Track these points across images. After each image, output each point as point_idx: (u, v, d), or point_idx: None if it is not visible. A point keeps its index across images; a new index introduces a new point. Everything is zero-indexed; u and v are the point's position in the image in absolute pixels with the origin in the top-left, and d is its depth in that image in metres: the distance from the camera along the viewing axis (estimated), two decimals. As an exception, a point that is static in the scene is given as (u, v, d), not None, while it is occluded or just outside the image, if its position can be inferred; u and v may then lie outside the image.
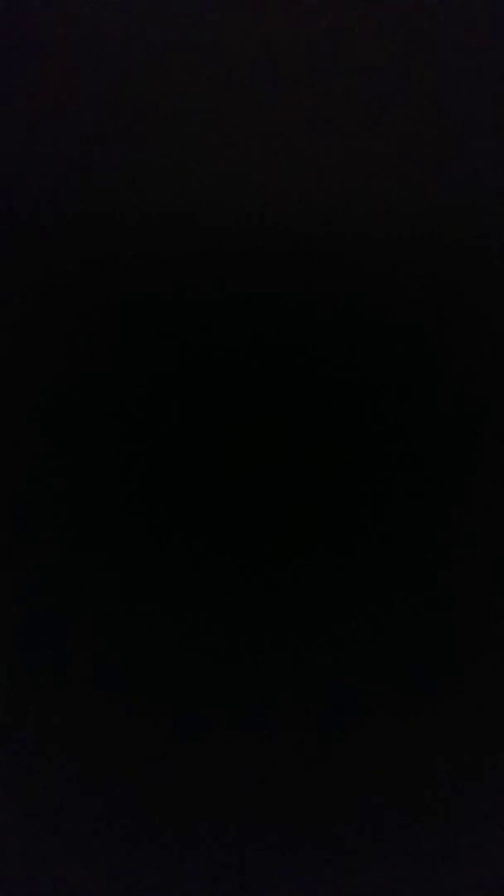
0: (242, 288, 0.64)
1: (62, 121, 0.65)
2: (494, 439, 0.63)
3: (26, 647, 0.64)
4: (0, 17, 0.64)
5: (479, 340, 0.64)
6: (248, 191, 0.64)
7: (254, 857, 0.63)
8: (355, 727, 0.63)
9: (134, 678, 0.64)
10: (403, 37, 0.64)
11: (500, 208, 0.64)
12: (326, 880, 0.63)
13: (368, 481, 0.63)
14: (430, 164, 0.64)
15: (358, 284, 0.64)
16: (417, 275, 0.63)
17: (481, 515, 0.63)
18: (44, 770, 0.64)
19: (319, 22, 0.64)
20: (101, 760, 0.64)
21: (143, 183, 0.64)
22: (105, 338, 0.64)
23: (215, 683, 0.64)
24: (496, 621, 0.63)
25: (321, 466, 0.63)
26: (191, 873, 0.63)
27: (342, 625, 0.63)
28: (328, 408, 0.63)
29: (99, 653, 0.64)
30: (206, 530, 0.64)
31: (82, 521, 0.64)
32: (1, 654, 0.64)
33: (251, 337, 0.64)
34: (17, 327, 0.64)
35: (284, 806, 0.63)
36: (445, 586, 0.63)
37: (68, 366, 0.64)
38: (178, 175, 0.64)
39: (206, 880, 0.63)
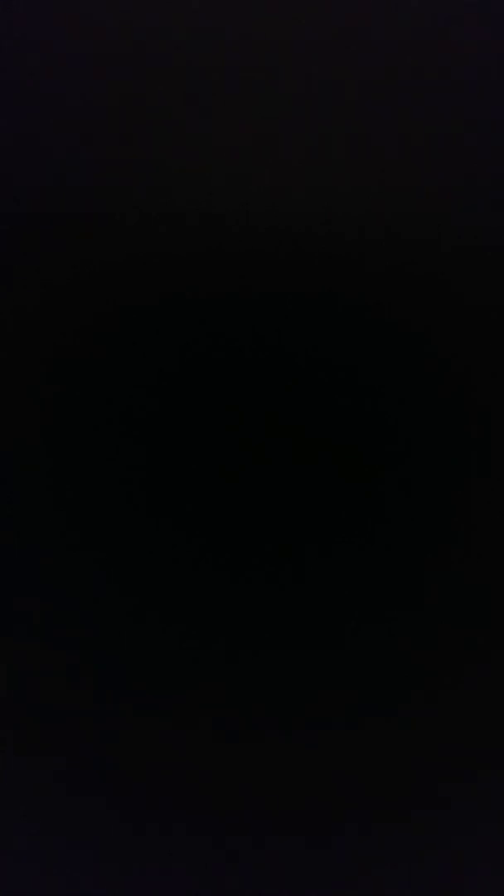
0: (242, 288, 0.64)
1: (61, 120, 0.65)
2: (495, 440, 0.63)
3: (26, 647, 0.64)
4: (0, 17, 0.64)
5: (480, 340, 0.64)
6: (248, 190, 0.64)
7: (252, 857, 0.63)
8: (356, 726, 0.63)
9: (134, 677, 0.64)
10: (404, 35, 0.64)
11: (500, 208, 0.64)
12: (326, 880, 0.63)
13: (368, 482, 0.63)
14: (431, 164, 0.64)
15: (357, 285, 0.64)
16: (417, 275, 0.64)
17: (482, 516, 0.63)
18: (43, 769, 0.64)
19: (320, 20, 0.65)
20: (100, 761, 0.64)
21: (142, 182, 0.64)
22: (105, 338, 0.64)
23: (215, 682, 0.64)
24: (497, 622, 0.63)
25: (321, 467, 0.63)
26: (190, 872, 0.64)
27: (341, 625, 0.63)
28: (328, 408, 0.63)
29: (99, 652, 0.64)
30: (206, 530, 0.64)
31: (82, 520, 0.64)
32: (1, 653, 0.64)
33: (251, 337, 0.64)
34: (17, 327, 0.64)
35: (284, 806, 0.63)
36: (446, 586, 0.63)
37: (68, 367, 0.64)
38: (178, 174, 0.64)
39: (205, 880, 0.64)
